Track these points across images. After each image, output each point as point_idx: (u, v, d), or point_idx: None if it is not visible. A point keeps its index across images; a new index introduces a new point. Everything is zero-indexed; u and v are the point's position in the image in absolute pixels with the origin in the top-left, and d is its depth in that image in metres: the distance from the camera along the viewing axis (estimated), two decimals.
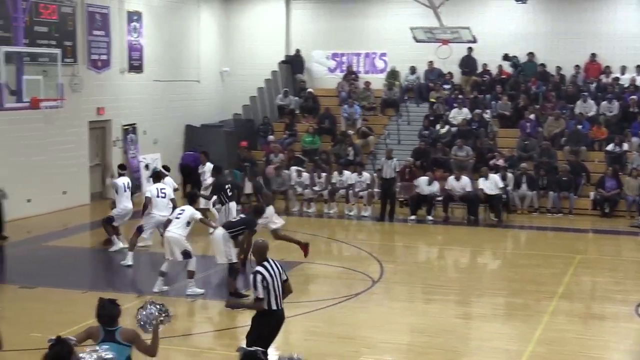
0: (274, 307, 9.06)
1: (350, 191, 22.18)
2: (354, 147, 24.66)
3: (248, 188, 22.22)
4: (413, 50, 26.90)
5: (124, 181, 17.12)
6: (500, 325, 12.88)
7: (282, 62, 29.08)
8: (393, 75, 28.09)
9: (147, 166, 24.75)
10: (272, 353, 9.33)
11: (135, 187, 24.55)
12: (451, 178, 21.71)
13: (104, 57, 23.52)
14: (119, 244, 16.84)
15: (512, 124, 25.28)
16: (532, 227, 21.16)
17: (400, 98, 27.42)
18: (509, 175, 22.21)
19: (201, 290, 13.90)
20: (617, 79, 25.93)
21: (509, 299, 14.41)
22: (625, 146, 23.09)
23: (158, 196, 15.97)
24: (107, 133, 24.05)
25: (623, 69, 26.17)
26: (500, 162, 22.79)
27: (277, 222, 16.06)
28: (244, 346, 6.47)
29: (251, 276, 9.19)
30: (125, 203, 16.92)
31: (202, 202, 17.16)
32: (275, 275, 9.10)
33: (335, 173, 22.71)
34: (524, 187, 22.25)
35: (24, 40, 16.84)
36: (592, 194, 22.12)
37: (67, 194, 21.87)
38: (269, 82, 28.65)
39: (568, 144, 23.59)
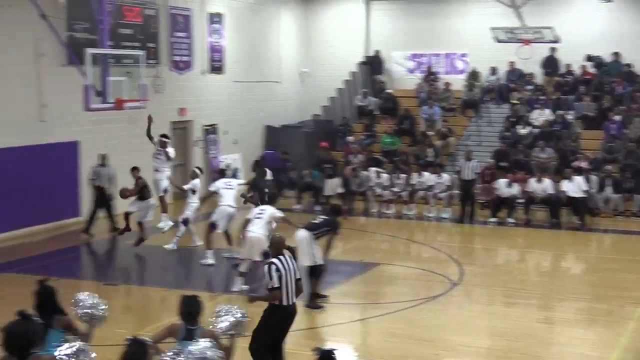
0: (285, 302, 9.17)
1: (430, 193, 22.03)
2: (433, 148, 24.49)
3: (329, 189, 22.18)
4: (494, 51, 26.56)
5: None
6: (582, 331, 12.61)
7: (362, 63, 29.07)
8: (473, 75, 27.81)
9: (227, 166, 25.00)
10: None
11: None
12: (532, 180, 21.37)
13: (185, 58, 23.87)
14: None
15: (596, 125, 24.74)
16: (617, 230, 20.67)
17: (480, 99, 27.12)
18: (593, 177, 21.74)
19: None
20: None
21: (592, 304, 14.10)
22: None
23: (224, 188, 16.15)
24: (189, 133, 24.40)
25: None
26: (584, 164, 22.32)
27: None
28: (320, 346, 6.44)
29: (265, 267, 9.34)
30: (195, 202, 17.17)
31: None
32: (289, 271, 9.21)
33: (415, 174, 22.58)
34: (608, 190, 21.75)
35: (109, 43, 17.18)
36: None
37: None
38: (349, 83, 28.67)
39: None
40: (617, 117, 24.20)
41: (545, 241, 19.46)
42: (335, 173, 22.61)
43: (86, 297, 7.07)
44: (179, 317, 7.13)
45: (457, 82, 27.82)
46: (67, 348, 5.77)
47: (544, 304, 14.21)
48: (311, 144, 26.18)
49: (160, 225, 17.48)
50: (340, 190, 22.41)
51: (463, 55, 28.34)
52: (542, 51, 26.03)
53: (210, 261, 15.87)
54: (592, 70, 26.59)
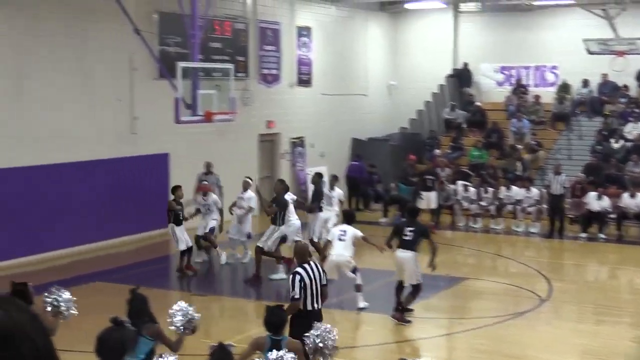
0: (309, 307, 9.31)
1: (518, 207, 21.70)
2: (522, 162, 24.13)
3: (425, 203, 21.75)
4: (586, 63, 26.06)
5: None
6: None
7: (450, 75, 28.88)
8: (564, 88, 27.28)
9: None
10: None
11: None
12: (625, 195, 20.85)
13: (274, 71, 24.12)
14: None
15: None
16: None
17: (571, 112, 26.59)
18: None
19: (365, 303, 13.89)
20: None
21: None
22: None
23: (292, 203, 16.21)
24: (276, 146, 24.62)
25: None
26: None
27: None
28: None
29: (290, 276, 9.57)
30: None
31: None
32: (314, 278, 9.34)
33: (503, 188, 22.28)
34: None
35: (199, 56, 17.48)
36: None
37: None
38: (436, 96, 28.50)
39: None
40: None
41: (638, 257, 18.93)
42: (434, 186, 22.25)
43: (184, 307, 7.21)
44: (265, 327, 7.18)
45: (547, 94, 27.34)
46: None
47: (636, 322, 13.82)
48: (398, 157, 26.10)
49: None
50: (434, 205, 22.11)
51: (553, 67, 27.86)
52: (636, 63, 25.39)
53: (282, 275, 15.74)
54: None
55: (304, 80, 25.47)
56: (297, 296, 9.26)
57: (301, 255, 9.74)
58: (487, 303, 14.79)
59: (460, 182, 22.91)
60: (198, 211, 17.33)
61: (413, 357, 11.05)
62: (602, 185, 21.85)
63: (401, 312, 13.05)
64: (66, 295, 7.53)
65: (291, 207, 16.07)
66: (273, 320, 7.12)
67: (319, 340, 6.82)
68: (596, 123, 25.80)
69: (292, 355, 6.37)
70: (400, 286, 13.18)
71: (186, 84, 16.65)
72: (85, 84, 18.57)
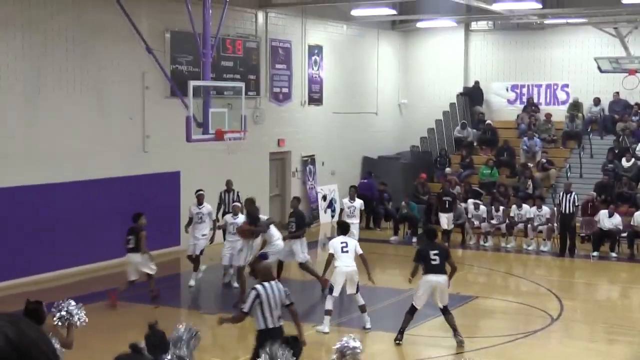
0: (269, 325, 9.55)
1: (529, 225, 21.64)
2: (533, 180, 24.09)
3: (445, 223, 21.50)
4: (597, 81, 26.07)
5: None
6: None
7: (461, 93, 28.90)
8: (575, 106, 27.26)
9: (324, 197, 25.18)
10: None
11: (314, 218, 25.13)
12: (637, 213, 20.77)
13: (285, 90, 24.21)
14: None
15: None
16: None
17: (582, 130, 26.56)
18: None
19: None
20: None
21: None
22: None
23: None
24: (287, 164, 24.67)
25: None
26: None
27: (302, 256, 16.35)
28: None
29: (249, 291, 9.90)
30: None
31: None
32: (272, 296, 9.54)
33: (514, 206, 22.23)
34: None
35: (210, 75, 17.56)
36: None
37: None
38: (447, 114, 28.52)
39: None
40: None
41: None
42: (452, 207, 21.93)
43: (182, 331, 7.21)
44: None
45: (559, 113, 27.34)
46: None
47: None
48: (408, 176, 26.11)
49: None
50: (450, 226, 21.85)
51: (565, 85, 27.86)
52: None
53: None
54: None
55: (315, 98, 25.54)
56: (245, 310, 9.65)
57: (264, 274, 9.98)
58: (498, 322, 14.74)
59: (471, 201, 22.89)
60: (190, 221, 17.31)
61: None
62: (613, 204, 21.79)
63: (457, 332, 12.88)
64: (73, 304, 7.64)
65: (273, 229, 15.97)
66: (151, 340, 7.08)
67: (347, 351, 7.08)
68: (608, 141, 25.76)
69: None
70: (414, 310, 13.03)
71: (197, 103, 16.71)
72: (98, 103, 18.68)
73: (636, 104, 26.26)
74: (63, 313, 7.65)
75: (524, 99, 28.46)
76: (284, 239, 16.56)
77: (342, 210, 18.44)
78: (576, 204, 20.91)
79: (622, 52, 24.28)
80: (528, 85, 28.45)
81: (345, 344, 7.31)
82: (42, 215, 17.36)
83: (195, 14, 16.76)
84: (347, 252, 13.62)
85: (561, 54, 27.68)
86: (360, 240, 22.69)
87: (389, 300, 15.70)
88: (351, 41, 27.13)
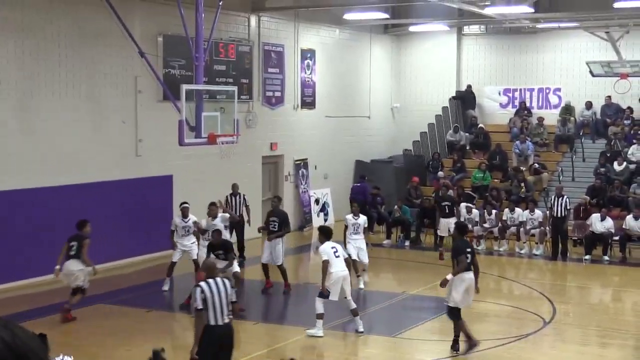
0: (212, 322, 9.69)
1: (522, 229, 21.67)
2: (525, 184, 24.13)
3: (444, 229, 20.86)
4: (589, 85, 26.15)
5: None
6: None
7: (453, 97, 28.94)
8: (567, 110, 27.34)
9: (317, 201, 25.19)
10: None
11: (306, 222, 25.13)
12: (629, 217, 20.83)
13: (278, 93, 24.21)
14: None
15: None
16: None
17: (575, 134, 26.63)
18: None
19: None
20: None
21: None
22: None
23: None
24: (280, 168, 24.67)
25: None
26: None
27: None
28: None
29: (193, 289, 10.07)
30: None
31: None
32: (217, 293, 9.73)
33: (506, 210, 22.26)
34: None
35: (203, 79, 17.54)
36: None
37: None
38: (440, 118, 28.56)
39: None
40: None
41: None
42: (452, 212, 21.27)
43: None
44: None
45: (551, 117, 27.41)
46: None
47: None
48: (401, 179, 26.14)
49: None
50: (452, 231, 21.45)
51: (557, 89, 27.93)
52: None
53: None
54: None
55: (308, 102, 25.55)
56: (199, 306, 9.78)
57: (208, 272, 10.25)
58: (491, 325, 14.75)
59: (463, 204, 22.89)
60: (172, 233, 17.14)
61: None
62: (605, 207, 21.84)
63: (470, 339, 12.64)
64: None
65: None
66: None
67: None
68: (600, 145, 25.84)
69: None
70: (459, 312, 12.70)
71: (190, 106, 16.67)
72: (91, 106, 18.66)
73: (628, 107, 26.35)
74: None
75: (517, 102, 28.52)
76: (269, 239, 16.64)
77: (346, 227, 17.60)
78: (568, 208, 20.97)
79: (613, 56, 24.36)
80: (520, 89, 28.51)
81: None
82: (36, 219, 17.31)
83: (187, 18, 16.74)
84: (339, 256, 13.61)
85: (553, 58, 27.75)
86: None
87: (381, 304, 15.70)
88: (344, 45, 27.16)
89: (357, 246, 17.03)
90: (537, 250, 21.43)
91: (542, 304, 16.05)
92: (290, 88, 24.67)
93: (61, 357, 6.82)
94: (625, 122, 26.14)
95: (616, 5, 21.65)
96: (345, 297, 13.62)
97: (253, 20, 23.16)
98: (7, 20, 16.80)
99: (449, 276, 12.67)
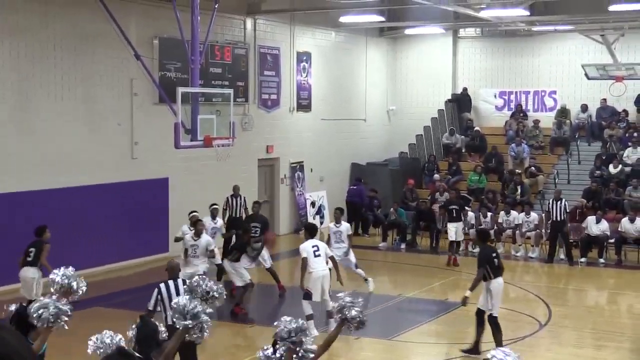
0: (170, 322, 9.49)
1: (518, 231, 21.68)
2: (521, 187, 24.14)
3: (454, 234, 20.56)
4: (584, 88, 26.19)
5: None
6: None
7: (449, 100, 28.96)
8: (563, 113, 27.37)
9: (313, 203, 25.18)
10: None
11: (303, 225, 25.10)
12: (625, 220, 20.86)
13: (273, 96, 24.21)
14: None
15: None
16: None
17: (570, 137, 26.66)
18: None
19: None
20: None
21: None
22: None
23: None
24: (276, 170, 24.66)
25: None
26: None
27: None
28: None
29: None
30: None
31: None
32: (175, 294, 9.89)
33: (502, 213, 22.27)
34: None
35: (199, 81, 17.55)
36: None
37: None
38: (435, 121, 28.57)
39: None
40: None
41: (638, 282, 18.91)
42: (460, 216, 21.04)
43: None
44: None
45: (546, 119, 27.44)
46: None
47: (636, 347, 13.79)
48: (397, 182, 26.15)
49: None
50: (460, 237, 20.88)
51: (552, 92, 27.98)
52: (634, 88, 25.52)
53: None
54: None
55: (304, 105, 25.55)
56: (150, 308, 10.08)
57: (170, 272, 10.55)
58: (487, 328, 14.73)
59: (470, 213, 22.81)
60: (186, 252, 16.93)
61: None
62: (601, 210, 21.86)
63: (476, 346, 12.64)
64: (70, 270, 7.58)
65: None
66: (142, 330, 6.96)
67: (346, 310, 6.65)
68: (595, 148, 25.87)
69: None
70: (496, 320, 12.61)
71: (186, 109, 16.70)
72: (86, 109, 18.65)
73: (623, 110, 26.40)
74: (63, 278, 7.58)
75: (512, 105, 28.55)
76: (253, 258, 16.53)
77: (329, 236, 16.61)
78: (567, 211, 20.89)
79: (609, 59, 24.41)
80: (516, 92, 28.55)
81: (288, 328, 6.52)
82: (30, 222, 17.25)
83: (183, 21, 16.75)
84: (319, 255, 13.49)
85: (549, 60, 27.79)
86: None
87: (377, 307, 15.69)
88: (339, 48, 27.17)
89: (339, 255, 16.05)
90: (532, 252, 21.44)
91: (537, 306, 16.06)
92: (286, 91, 24.67)
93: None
94: (620, 124, 26.17)
95: (611, 8, 21.69)
96: (323, 297, 13.48)
97: (249, 22, 23.16)
98: (3, 23, 16.79)
99: (468, 293, 12.62)
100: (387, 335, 13.88)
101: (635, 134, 25.38)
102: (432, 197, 24.37)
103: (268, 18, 23.74)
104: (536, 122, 27.27)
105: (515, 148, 26.15)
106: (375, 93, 29.01)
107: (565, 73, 27.10)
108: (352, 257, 16.64)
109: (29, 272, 14.28)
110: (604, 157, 24.84)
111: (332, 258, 13.83)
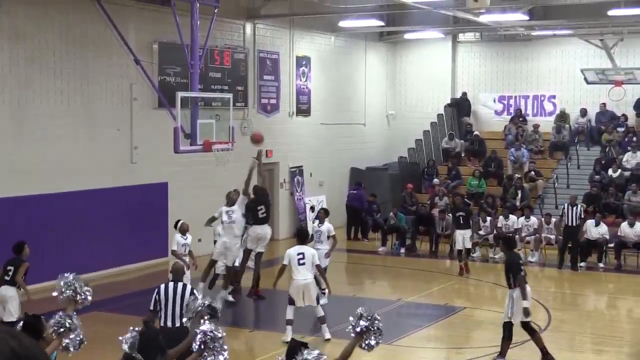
0: (162, 323, 9.93)
1: (517, 236, 21.64)
2: (521, 191, 24.14)
3: (460, 242, 20.13)
4: (584, 92, 26.20)
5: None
6: None
7: (448, 104, 28.98)
8: (562, 117, 27.39)
9: (312, 208, 25.16)
10: None
11: None
12: (624, 224, 20.86)
13: (273, 101, 24.22)
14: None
15: None
16: None
17: (569, 141, 26.68)
18: None
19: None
20: None
21: None
22: None
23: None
24: (275, 175, 24.65)
25: None
26: None
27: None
28: None
29: None
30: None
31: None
32: (173, 296, 9.96)
33: (501, 217, 22.26)
34: None
35: (198, 86, 17.56)
36: None
37: None
38: (435, 125, 28.58)
39: None
40: None
41: (637, 287, 18.91)
42: (468, 223, 20.68)
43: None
44: None
45: (546, 124, 27.45)
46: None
47: (636, 352, 13.80)
48: (396, 186, 26.15)
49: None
50: (468, 244, 20.38)
51: (552, 97, 27.99)
52: (634, 92, 25.54)
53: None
54: None
55: (303, 109, 25.57)
56: (150, 307, 10.08)
57: (174, 274, 10.66)
58: (486, 333, 14.74)
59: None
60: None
61: None
62: (600, 214, 21.85)
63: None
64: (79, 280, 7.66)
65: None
66: (145, 336, 7.07)
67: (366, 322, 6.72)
68: (594, 152, 25.89)
69: None
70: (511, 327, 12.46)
71: (185, 114, 16.70)
72: (86, 114, 18.66)
73: (622, 115, 26.42)
74: (70, 286, 7.69)
75: (512, 109, 28.57)
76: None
77: (312, 235, 16.12)
78: (582, 217, 20.74)
79: (608, 64, 24.43)
80: (515, 97, 28.57)
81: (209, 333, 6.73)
82: (29, 227, 17.27)
83: (183, 25, 16.76)
84: (303, 264, 13.19)
85: (548, 65, 27.82)
86: (348, 250, 22.82)
87: (376, 311, 15.65)
88: (339, 52, 27.19)
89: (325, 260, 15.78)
90: (532, 257, 21.42)
91: (537, 311, 16.01)
92: (285, 95, 24.68)
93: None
94: (620, 129, 26.19)
95: (610, 13, 21.72)
96: (314, 306, 13.32)
97: (248, 27, 23.18)
98: (3, 28, 16.79)
99: (526, 303, 12.34)
100: (386, 340, 13.75)
101: (634, 139, 25.40)
102: (431, 201, 24.38)
103: (267, 23, 23.76)
104: (535, 126, 27.28)
105: (515, 152, 26.16)
106: (375, 97, 29.03)
107: (565, 77, 27.13)
108: (326, 261, 15.81)
109: (8, 291, 13.42)
110: (603, 162, 24.85)
111: (318, 267, 13.52)
